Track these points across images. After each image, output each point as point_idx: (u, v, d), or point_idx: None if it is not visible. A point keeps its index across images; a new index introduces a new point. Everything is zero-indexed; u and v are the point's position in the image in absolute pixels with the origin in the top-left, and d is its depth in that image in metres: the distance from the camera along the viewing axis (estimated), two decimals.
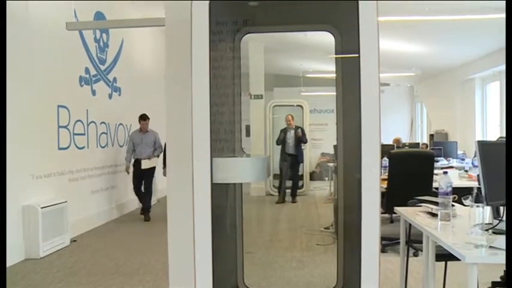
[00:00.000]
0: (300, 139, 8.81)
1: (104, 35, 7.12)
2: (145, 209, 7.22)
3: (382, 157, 4.68)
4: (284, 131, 8.97)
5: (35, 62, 5.19)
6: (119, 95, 7.66)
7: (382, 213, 4.66)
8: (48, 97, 5.50)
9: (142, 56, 8.90)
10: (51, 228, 5.11)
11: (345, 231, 2.74)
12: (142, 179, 7.23)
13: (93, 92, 6.71)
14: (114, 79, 7.45)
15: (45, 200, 5.14)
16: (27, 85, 5.03)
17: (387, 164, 4.83)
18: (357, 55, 1.75)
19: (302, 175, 9.88)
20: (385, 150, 4.88)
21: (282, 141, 8.93)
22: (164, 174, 7.15)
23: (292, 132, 8.88)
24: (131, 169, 7.25)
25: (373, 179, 1.76)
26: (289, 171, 8.89)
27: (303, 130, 9.00)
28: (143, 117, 7.32)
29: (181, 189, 1.92)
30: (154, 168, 7.36)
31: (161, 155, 7.43)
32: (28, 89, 5.05)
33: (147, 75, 9.01)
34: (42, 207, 4.96)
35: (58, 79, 5.69)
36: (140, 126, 7.38)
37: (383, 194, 4.46)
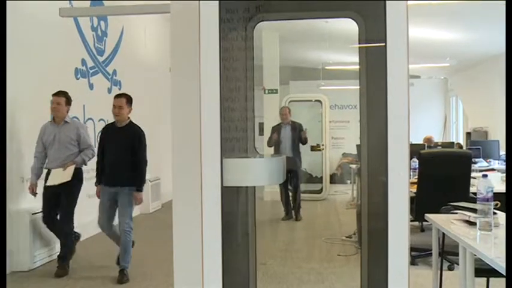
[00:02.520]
0: (300, 138, 7.78)
1: (102, 23, 7.18)
2: (61, 258, 4.93)
3: (411, 158, 4.66)
4: (277, 128, 7.83)
5: (24, 52, 5.25)
6: (119, 89, 7.72)
7: (411, 220, 4.63)
8: (40, 91, 5.56)
9: (145, 46, 8.96)
10: (42, 237, 5.14)
11: (369, 240, 2.73)
12: (56, 203, 4.93)
13: (91, 86, 6.78)
14: (114, 71, 7.52)
15: (36, 206, 5.17)
16: (17, 78, 5.09)
17: (417, 166, 4.81)
18: (383, 44, 1.75)
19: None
20: (415, 150, 4.86)
21: (274, 141, 7.73)
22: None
23: (288, 128, 7.73)
24: (40, 188, 4.96)
25: (401, 183, 1.76)
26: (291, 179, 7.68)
27: (302, 127, 7.93)
28: (57, 94, 5.02)
29: (188, 193, 1.94)
30: (73, 183, 4.98)
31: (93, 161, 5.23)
32: (17, 82, 5.10)
33: (151, 67, 9.07)
34: (32, 214, 4.99)
35: (51, 72, 5.75)
36: (52, 113, 5.05)
37: (412, 199, 4.44)
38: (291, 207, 7.78)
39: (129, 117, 4.94)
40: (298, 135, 7.75)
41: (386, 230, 1.75)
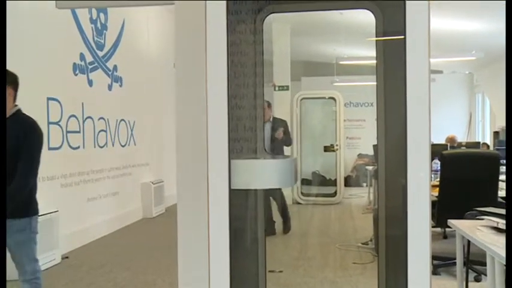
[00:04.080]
0: (282, 139, 7.08)
1: (102, 15, 7.22)
2: None
3: (432, 159, 4.64)
4: None
5: (19, 46, 5.29)
6: (120, 85, 7.76)
7: (433, 226, 4.61)
8: (36, 88, 5.60)
9: (148, 40, 9.00)
10: (39, 243, 5.17)
11: (387, 247, 2.72)
12: None
13: (90, 83, 6.82)
14: (115, 67, 7.56)
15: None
16: None
17: (439, 168, 4.79)
18: (402, 37, 1.74)
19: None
20: (437, 150, 4.84)
21: None
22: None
23: (268, 127, 6.91)
24: None
25: (421, 186, 1.75)
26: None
27: (286, 126, 7.24)
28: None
29: (194, 196, 1.95)
30: None
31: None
32: None
33: (154, 62, 9.12)
34: None
35: (48, 67, 5.79)
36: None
37: (434, 204, 4.42)
38: (275, 220, 7.00)
39: (16, 105, 3.49)
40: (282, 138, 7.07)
41: (406, 237, 1.74)
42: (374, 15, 2.58)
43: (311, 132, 10.97)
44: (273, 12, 2.69)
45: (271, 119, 7.03)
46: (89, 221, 6.68)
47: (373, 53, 2.70)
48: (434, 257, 4.76)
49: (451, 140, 8.72)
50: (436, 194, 4.56)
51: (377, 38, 2.63)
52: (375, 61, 2.68)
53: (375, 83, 2.68)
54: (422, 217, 1.72)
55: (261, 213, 2.73)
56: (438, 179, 4.68)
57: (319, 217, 8.56)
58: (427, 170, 1.72)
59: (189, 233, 2.11)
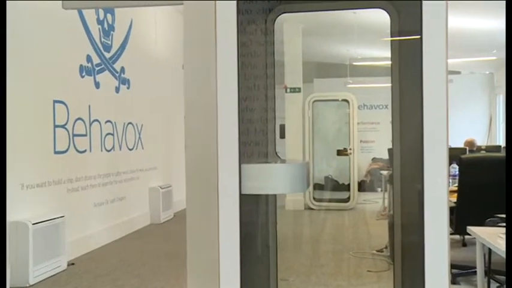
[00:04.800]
0: None
1: (109, 16, 7.27)
2: None
3: (450, 163, 4.61)
4: None
5: (25, 48, 5.34)
6: (128, 88, 7.80)
7: (451, 233, 4.58)
8: (42, 91, 5.64)
9: (156, 41, 9.05)
10: (44, 249, 5.21)
11: (402, 255, 2.70)
12: None
13: (97, 85, 6.86)
14: (122, 69, 7.60)
15: (38, 215, 5.26)
16: (16, 76, 5.16)
17: (457, 172, 4.76)
18: (418, 37, 1.73)
19: None
20: (455, 154, 4.80)
21: None
22: None
23: None
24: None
25: (438, 191, 1.74)
26: None
27: None
28: None
29: (203, 202, 1.95)
30: None
31: None
32: (17, 81, 5.17)
33: (162, 64, 9.16)
34: (33, 224, 5.06)
35: (54, 69, 5.84)
36: None
37: (452, 210, 4.39)
38: None
39: None
40: None
41: (423, 244, 1.72)
42: (389, 14, 2.57)
43: (323, 135, 10.96)
44: (285, 12, 2.69)
45: None
46: (95, 226, 6.71)
47: (388, 54, 2.69)
48: (453, 266, 4.72)
49: (470, 143, 8.65)
50: (455, 199, 4.53)
51: (392, 38, 2.62)
52: (389, 62, 2.67)
53: (390, 85, 2.67)
54: (440, 224, 1.70)
55: (272, 219, 2.72)
56: (456, 185, 4.64)
57: (332, 223, 8.54)
58: (444, 175, 1.70)
59: (198, 239, 2.10)
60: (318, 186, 10.92)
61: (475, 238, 2.97)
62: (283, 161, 2.75)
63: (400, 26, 2.51)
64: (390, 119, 2.67)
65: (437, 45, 1.68)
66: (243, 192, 1.79)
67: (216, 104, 1.76)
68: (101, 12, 7.03)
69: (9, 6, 5.01)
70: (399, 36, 2.55)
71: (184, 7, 2.42)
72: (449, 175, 4.92)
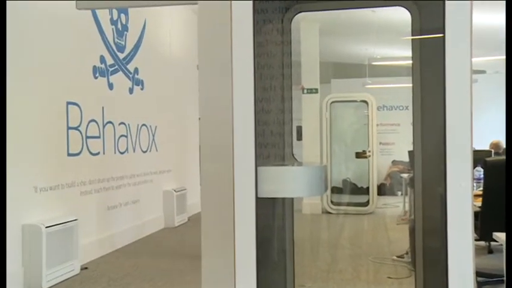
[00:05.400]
0: None
1: (123, 16, 7.31)
2: None
3: (474, 166, 4.56)
4: None
5: (38, 49, 5.39)
6: (142, 89, 7.84)
7: (476, 240, 4.52)
8: (56, 92, 5.69)
9: (170, 41, 9.08)
10: (58, 253, 5.25)
11: (424, 261, 2.67)
12: None
13: (110, 86, 6.90)
14: (136, 70, 7.64)
15: (51, 218, 5.30)
16: (29, 78, 5.21)
17: (481, 176, 4.70)
18: (441, 35, 1.71)
19: None
20: (479, 157, 4.75)
21: None
22: None
23: None
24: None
25: (462, 195, 1.71)
26: None
27: None
28: None
29: (219, 205, 1.94)
30: None
31: None
32: (30, 82, 5.23)
33: (176, 64, 9.19)
34: (46, 227, 5.10)
35: (67, 70, 5.88)
36: None
37: (477, 215, 4.33)
38: None
39: None
40: None
41: (446, 250, 1.70)
42: (410, 12, 2.55)
43: (342, 137, 10.91)
44: (301, 11, 2.68)
45: None
46: (109, 230, 6.74)
47: (409, 53, 2.67)
48: (478, 274, 4.66)
49: (496, 145, 8.56)
50: (479, 204, 4.47)
51: (413, 37, 2.60)
52: (410, 61, 2.65)
53: (411, 85, 2.64)
54: (464, 229, 1.68)
55: (289, 223, 2.71)
56: (481, 188, 4.59)
57: (351, 227, 8.49)
58: (468, 179, 1.68)
59: (213, 244, 2.10)
60: (336, 190, 10.87)
61: (501, 245, 2.93)
62: (300, 164, 2.74)
63: (421, 24, 2.49)
64: (411, 121, 2.65)
65: (461, 44, 1.65)
66: (259, 196, 1.78)
67: (232, 105, 1.75)
68: (115, 13, 7.08)
69: (22, 7, 5.07)
70: (421, 35, 2.53)
71: (199, 7, 2.43)
72: (474, 178, 4.87)
